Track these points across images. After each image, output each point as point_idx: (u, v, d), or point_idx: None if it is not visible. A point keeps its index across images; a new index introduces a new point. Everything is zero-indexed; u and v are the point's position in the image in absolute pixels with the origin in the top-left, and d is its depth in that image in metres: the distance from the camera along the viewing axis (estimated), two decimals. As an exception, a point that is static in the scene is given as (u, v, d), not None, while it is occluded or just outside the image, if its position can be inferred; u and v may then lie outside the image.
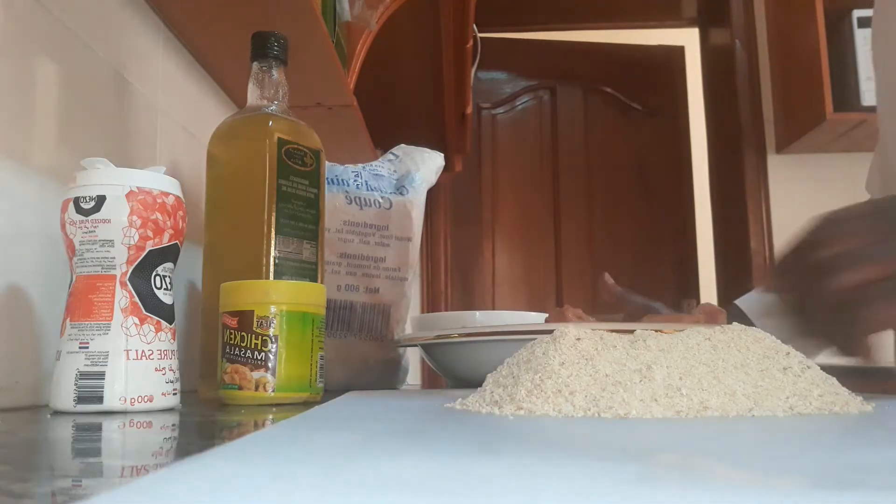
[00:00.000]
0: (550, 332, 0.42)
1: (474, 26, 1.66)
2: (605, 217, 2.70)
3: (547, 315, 0.76)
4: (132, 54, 0.70)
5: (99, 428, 0.37)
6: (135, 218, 0.45)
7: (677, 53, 2.83)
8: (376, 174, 0.86)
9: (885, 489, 0.16)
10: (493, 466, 0.19)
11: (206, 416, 0.45)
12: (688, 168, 2.77)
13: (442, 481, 0.17)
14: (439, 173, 0.92)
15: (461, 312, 0.93)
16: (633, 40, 2.83)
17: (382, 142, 1.31)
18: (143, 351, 0.45)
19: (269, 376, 0.51)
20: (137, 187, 0.45)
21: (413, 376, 1.33)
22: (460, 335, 0.67)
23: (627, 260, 2.63)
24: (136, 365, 0.44)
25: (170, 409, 0.46)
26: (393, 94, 1.57)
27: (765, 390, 0.36)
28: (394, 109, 1.61)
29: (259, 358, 0.51)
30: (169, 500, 0.15)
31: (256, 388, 0.51)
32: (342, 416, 0.35)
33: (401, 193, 0.86)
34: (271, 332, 0.51)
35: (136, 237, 0.45)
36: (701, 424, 0.31)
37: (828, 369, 0.40)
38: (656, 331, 0.42)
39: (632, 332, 0.42)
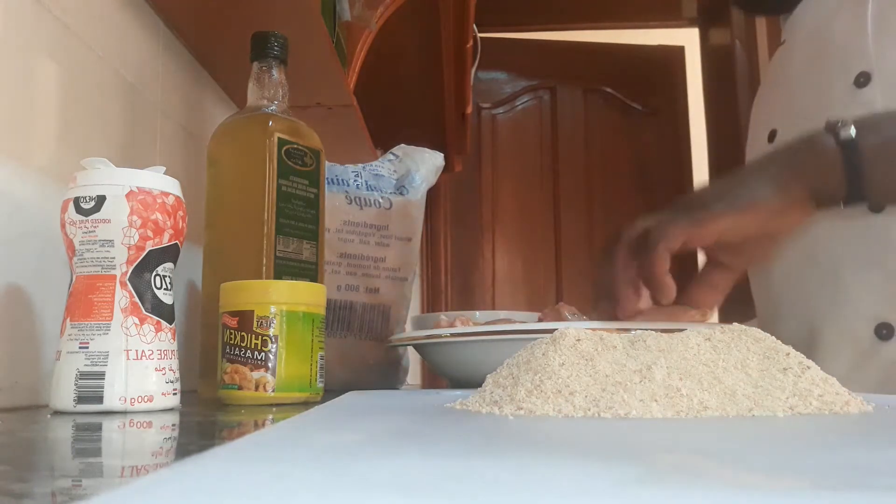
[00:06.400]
0: (542, 332, 0.42)
1: (474, 26, 1.66)
2: (605, 217, 2.69)
3: (539, 315, 0.75)
4: (132, 54, 0.70)
5: (99, 428, 0.37)
6: (135, 218, 0.45)
7: (677, 53, 2.83)
8: (376, 174, 0.86)
9: (886, 489, 0.16)
10: (493, 466, 0.19)
11: (206, 416, 0.45)
12: (688, 168, 2.76)
13: (442, 481, 0.17)
14: (439, 173, 0.92)
15: (456, 312, 0.92)
16: (633, 40, 2.83)
17: (382, 142, 1.31)
18: (143, 351, 0.45)
19: (269, 376, 0.51)
20: (137, 187, 0.45)
21: (413, 376, 1.33)
22: (452, 335, 0.67)
23: (627, 260, 2.62)
24: (136, 365, 0.44)
25: (170, 409, 0.46)
26: (393, 94, 1.57)
27: (765, 390, 0.36)
28: (394, 109, 1.61)
29: (259, 358, 0.51)
30: (169, 500, 0.15)
31: (256, 388, 0.51)
32: (342, 416, 0.35)
33: (401, 193, 0.86)
34: (271, 332, 0.51)
35: (136, 237, 0.45)
36: (701, 424, 0.31)
37: None
38: (661, 330, 0.42)
39: (629, 331, 0.42)
